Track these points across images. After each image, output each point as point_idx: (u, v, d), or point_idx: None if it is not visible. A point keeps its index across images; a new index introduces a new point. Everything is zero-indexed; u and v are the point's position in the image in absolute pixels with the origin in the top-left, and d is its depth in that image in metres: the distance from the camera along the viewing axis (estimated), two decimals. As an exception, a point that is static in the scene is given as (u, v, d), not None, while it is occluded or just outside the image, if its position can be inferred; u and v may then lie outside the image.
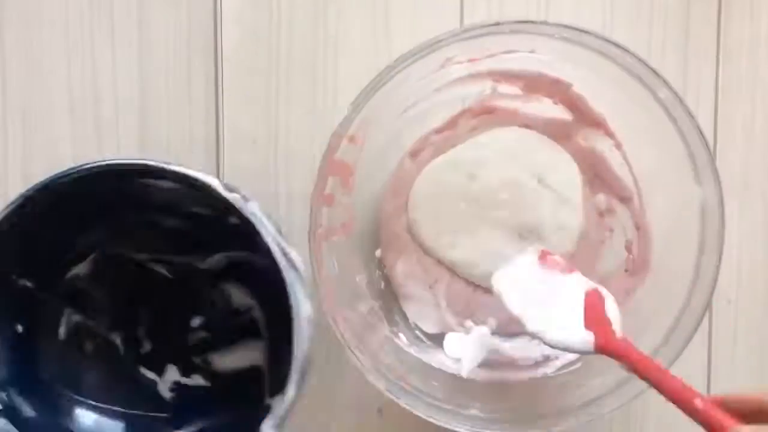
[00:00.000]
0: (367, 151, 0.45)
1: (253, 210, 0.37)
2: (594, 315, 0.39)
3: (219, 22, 0.50)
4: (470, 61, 0.44)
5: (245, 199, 0.38)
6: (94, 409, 0.43)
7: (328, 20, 0.50)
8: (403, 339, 0.48)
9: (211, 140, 0.51)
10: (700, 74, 0.50)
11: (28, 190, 0.37)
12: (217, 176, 0.47)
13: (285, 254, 0.37)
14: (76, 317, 0.44)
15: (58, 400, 0.42)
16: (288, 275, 0.36)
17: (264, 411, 0.38)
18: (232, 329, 0.45)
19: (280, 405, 0.37)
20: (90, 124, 0.51)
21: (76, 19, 0.50)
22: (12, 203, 0.37)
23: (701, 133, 0.40)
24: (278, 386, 0.37)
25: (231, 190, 0.38)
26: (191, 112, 0.51)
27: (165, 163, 0.38)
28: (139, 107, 0.51)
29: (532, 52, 0.44)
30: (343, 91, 0.50)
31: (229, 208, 0.37)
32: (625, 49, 0.40)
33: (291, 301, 0.36)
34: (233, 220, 0.38)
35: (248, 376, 0.44)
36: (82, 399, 0.43)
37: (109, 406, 0.43)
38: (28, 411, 0.40)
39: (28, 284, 0.41)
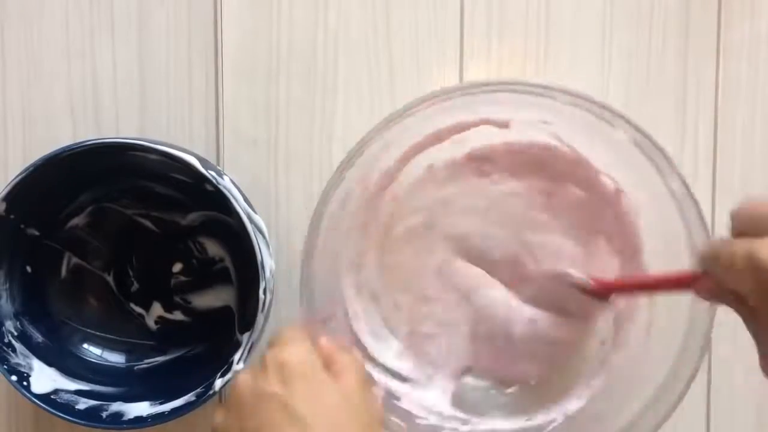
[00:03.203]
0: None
1: (225, 184, 0.44)
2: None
3: (219, 22, 0.50)
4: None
5: (220, 174, 0.45)
6: (95, 336, 0.50)
7: (328, 20, 0.50)
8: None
9: (212, 140, 0.51)
10: (700, 74, 0.50)
11: (38, 160, 0.44)
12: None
13: (252, 220, 0.44)
14: (75, 260, 0.51)
15: (63, 328, 0.50)
16: (254, 236, 0.43)
17: (234, 345, 0.45)
18: (208, 275, 0.51)
19: (247, 340, 0.43)
20: (90, 123, 0.51)
21: (76, 18, 0.50)
22: (24, 170, 0.44)
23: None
24: (246, 325, 0.45)
25: (207, 168, 0.44)
26: (191, 112, 0.51)
27: (153, 142, 0.44)
28: (139, 107, 0.51)
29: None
30: (342, 91, 0.50)
31: (205, 179, 0.44)
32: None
33: (257, 258, 0.43)
34: (209, 187, 0.44)
35: (221, 315, 0.51)
36: (83, 328, 0.50)
37: (107, 335, 0.51)
38: (38, 337, 0.48)
39: (36, 232, 0.48)
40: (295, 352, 0.35)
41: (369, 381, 0.36)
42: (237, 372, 0.36)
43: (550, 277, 0.45)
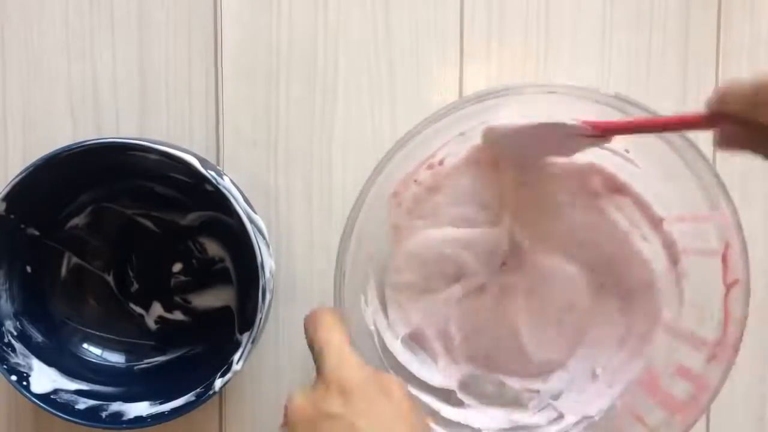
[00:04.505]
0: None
1: (225, 184, 0.44)
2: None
3: (219, 22, 0.50)
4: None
5: (220, 174, 0.45)
6: (95, 336, 0.51)
7: (328, 20, 0.50)
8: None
9: (212, 140, 0.51)
10: (700, 75, 0.51)
11: (38, 160, 0.44)
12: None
13: (251, 220, 0.44)
14: (75, 260, 0.51)
15: (63, 328, 0.50)
16: (254, 236, 0.43)
17: (234, 345, 0.46)
18: (208, 275, 0.51)
19: (247, 340, 0.44)
20: (90, 123, 0.51)
21: (76, 18, 0.50)
22: (24, 170, 0.44)
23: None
24: (246, 325, 0.46)
25: (207, 168, 0.44)
26: (191, 112, 0.51)
27: (153, 142, 0.45)
28: (139, 107, 0.51)
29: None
30: (342, 91, 0.50)
31: (205, 179, 0.44)
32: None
33: (257, 258, 0.43)
34: (209, 187, 0.44)
35: (221, 315, 0.51)
36: (83, 328, 0.50)
37: (107, 335, 0.51)
38: (38, 337, 0.48)
39: (36, 232, 0.48)
40: (355, 369, 0.34)
41: (414, 399, 0.36)
42: (292, 393, 0.35)
43: (545, 130, 0.42)
